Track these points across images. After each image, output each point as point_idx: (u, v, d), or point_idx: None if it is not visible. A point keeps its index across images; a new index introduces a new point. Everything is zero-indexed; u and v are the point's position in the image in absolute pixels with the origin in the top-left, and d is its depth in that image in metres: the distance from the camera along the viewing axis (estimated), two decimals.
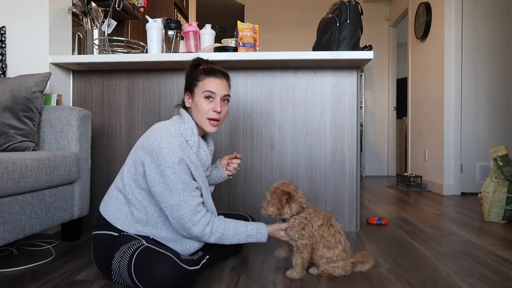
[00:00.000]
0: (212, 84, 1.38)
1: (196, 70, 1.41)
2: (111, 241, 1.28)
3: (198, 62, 1.44)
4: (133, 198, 1.32)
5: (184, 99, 1.44)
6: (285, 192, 1.37)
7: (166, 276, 1.11)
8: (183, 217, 1.26)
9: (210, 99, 1.38)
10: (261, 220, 2.13)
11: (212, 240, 1.31)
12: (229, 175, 1.63)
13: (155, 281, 1.11)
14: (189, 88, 1.41)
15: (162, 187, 1.25)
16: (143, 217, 1.32)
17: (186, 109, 1.43)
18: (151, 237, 1.32)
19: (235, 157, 1.62)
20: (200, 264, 1.31)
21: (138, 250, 1.18)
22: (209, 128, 1.39)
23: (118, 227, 1.31)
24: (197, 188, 1.32)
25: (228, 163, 1.62)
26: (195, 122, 1.40)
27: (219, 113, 1.38)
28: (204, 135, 1.50)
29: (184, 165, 1.28)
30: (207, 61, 1.46)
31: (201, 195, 1.35)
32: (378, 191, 3.81)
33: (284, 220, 1.42)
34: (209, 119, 1.38)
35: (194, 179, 1.33)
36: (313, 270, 1.40)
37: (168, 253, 1.17)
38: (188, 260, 1.22)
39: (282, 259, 1.58)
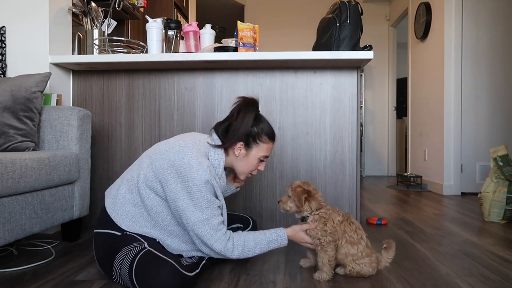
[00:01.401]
0: (270, 148, 1.45)
1: (259, 127, 1.40)
2: (113, 241, 1.28)
3: (257, 106, 1.44)
4: (148, 202, 1.30)
5: (231, 143, 1.39)
6: (305, 191, 1.39)
7: (166, 283, 1.11)
8: (205, 234, 1.25)
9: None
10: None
11: (235, 254, 1.30)
12: (236, 187, 1.63)
13: (156, 287, 1.11)
14: (247, 141, 1.40)
15: (186, 203, 1.24)
16: (152, 221, 1.31)
17: (222, 141, 1.40)
18: (157, 240, 1.32)
19: None
20: (200, 266, 1.31)
21: (140, 254, 1.18)
22: (244, 178, 1.50)
23: (123, 228, 1.31)
24: (219, 207, 1.32)
25: (236, 177, 1.61)
26: (226, 158, 1.42)
27: None
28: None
29: (210, 186, 1.28)
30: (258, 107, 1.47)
31: (222, 214, 1.35)
32: (378, 191, 3.81)
33: (303, 219, 1.42)
34: (250, 174, 1.48)
35: (217, 198, 1.33)
36: (339, 270, 1.39)
37: (169, 259, 1.16)
38: (188, 265, 1.23)
39: (283, 261, 1.58)
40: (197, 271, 1.25)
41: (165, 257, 1.17)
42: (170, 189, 1.26)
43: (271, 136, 1.44)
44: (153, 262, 1.15)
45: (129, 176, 1.35)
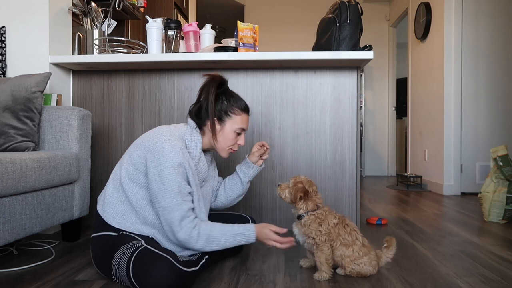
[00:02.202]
0: (244, 120, 1.45)
1: (229, 100, 1.43)
2: (110, 241, 1.28)
3: (222, 81, 1.45)
4: (132, 197, 1.32)
5: (205, 122, 1.42)
6: (303, 190, 1.39)
7: (163, 279, 1.10)
8: (173, 220, 1.26)
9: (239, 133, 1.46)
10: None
11: (200, 243, 1.28)
12: (260, 165, 1.65)
13: (153, 284, 1.10)
14: (220, 116, 1.42)
15: (158, 187, 1.26)
16: (140, 217, 1.32)
17: (198, 123, 1.43)
18: (150, 236, 1.33)
19: (265, 149, 1.63)
20: (199, 265, 1.30)
21: (137, 252, 1.18)
22: (226, 155, 1.48)
23: (115, 226, 1.32)
24: (189, 193, 1.32)
25: (260, 155, 1.63)
26: (202, 138, 1.43)
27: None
28: (206, 150, 1.51)
29: (183, 169, 1.29)
30: (227, 83, 1.48)
31: (192, 201, 1.34)
32: (378, 191, 3.81)
33: (299, 217, 1.42)
34: (231, 149, 1.47)
35: (189, 184, 1.33)
36: (340, 271, 1.39)
37: (166, 255, 1.16)
38: (186, 262, 1.22)
39: (283, 261, 1.58)
40: (195, 268, 1.24)
41: (161, 253, 1.17)
42: (148, 175, 1.28)
43: (243, 107, 1.45)
44: (149, 259, 1.15)
45: (113, 175, 1.39)
